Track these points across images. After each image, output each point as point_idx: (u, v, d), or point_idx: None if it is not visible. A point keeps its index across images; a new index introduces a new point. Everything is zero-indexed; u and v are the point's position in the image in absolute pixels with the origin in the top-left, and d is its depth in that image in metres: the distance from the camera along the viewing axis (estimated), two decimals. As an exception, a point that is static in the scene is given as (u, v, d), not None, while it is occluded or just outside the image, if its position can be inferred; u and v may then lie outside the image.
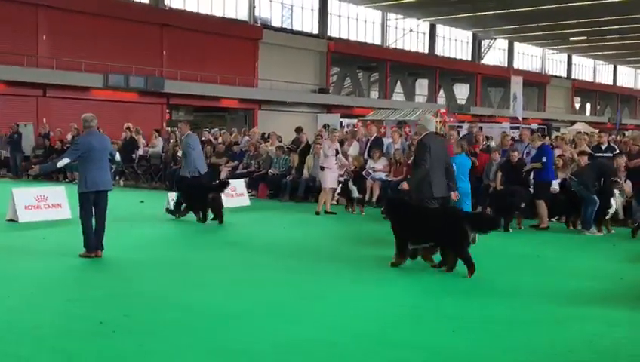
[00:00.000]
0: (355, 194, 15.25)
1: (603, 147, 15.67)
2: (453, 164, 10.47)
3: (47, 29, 32.94)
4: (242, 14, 43.45)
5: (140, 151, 22.72)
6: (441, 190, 9.48)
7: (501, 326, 6.59)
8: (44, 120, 29.03)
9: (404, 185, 9.87)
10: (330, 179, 15.00)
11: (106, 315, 6.68)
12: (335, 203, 15.97)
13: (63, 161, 9.77)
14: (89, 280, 8.49)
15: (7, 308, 7.01)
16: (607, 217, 13.11)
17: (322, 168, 15.11)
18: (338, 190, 15.58)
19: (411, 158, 16.67)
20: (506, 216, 12.73)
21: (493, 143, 18.36)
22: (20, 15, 31.77)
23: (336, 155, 15.02)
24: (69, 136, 24.50)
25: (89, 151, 9.49)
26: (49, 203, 13.46)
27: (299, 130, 19.82)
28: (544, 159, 13.44)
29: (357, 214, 15.17)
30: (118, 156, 10.39)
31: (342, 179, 15.71)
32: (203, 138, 24.11)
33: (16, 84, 30.58)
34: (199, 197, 13.27)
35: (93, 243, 9.52)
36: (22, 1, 31.75)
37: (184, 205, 13.53)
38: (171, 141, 22.42)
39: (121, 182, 21.65)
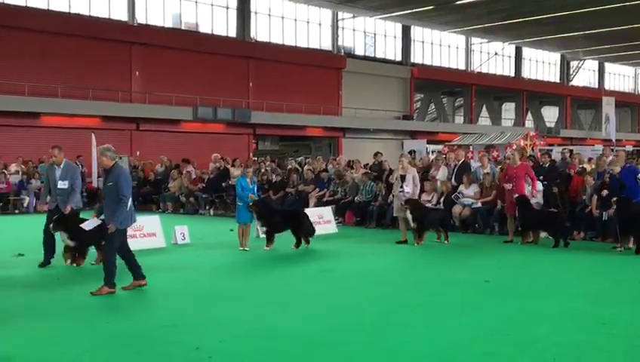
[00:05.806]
0: (412, 224, 14.18)
1: None
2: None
3: (139, 65, 34.25)
4: (326, 44, 43.98)
5: (231, 181, 23.09)
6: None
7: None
8: (137, 152, 30.05)
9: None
10: (398, 207, 14.59)
11: (201, 341, 6.78)
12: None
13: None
14: (185, 307, 8.61)
15: (104, 333, 7.24)
16: None
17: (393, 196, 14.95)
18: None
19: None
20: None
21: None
22: (115, 53, 33.17)
23: (402, 183, 14.25)
24: (159, 168, 25.27)
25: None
26: (144, 232, 13.83)
27: (376, 154, 20.08)
28: None
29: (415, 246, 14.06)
30: None
31: (430, 204, 15.48)
32: (289, 166, 24.42)
33: (111, 119, 31.78)
34: None
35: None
36: (116, 39, 33.16)
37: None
38: (262, 170, 22.73)
39: (211, 211, 22.11)
